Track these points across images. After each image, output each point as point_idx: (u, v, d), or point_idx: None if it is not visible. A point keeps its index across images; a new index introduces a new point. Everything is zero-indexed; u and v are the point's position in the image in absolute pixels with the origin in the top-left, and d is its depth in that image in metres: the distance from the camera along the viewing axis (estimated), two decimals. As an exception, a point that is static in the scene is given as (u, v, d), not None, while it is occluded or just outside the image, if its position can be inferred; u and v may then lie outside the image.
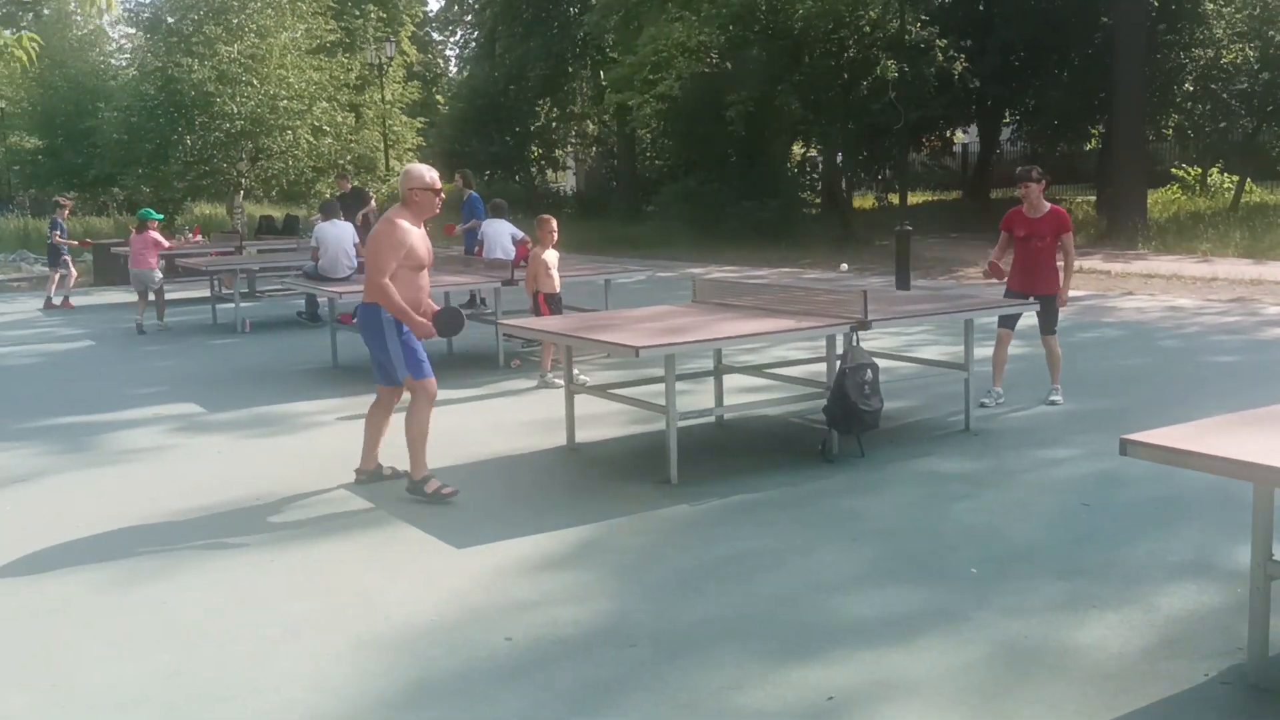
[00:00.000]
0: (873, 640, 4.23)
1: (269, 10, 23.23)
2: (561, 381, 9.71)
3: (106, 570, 5.30)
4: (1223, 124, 28.26)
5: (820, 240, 25.20)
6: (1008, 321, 8.30)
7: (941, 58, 22.85)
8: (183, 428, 8.55)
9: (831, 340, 6.97)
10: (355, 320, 6.66)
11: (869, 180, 35.35)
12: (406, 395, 6.54)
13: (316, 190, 24.84)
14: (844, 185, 28.76)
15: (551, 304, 9.83)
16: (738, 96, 23.28)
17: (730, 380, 8.51)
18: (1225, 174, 31.56)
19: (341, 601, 4.82)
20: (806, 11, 22.46)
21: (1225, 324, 12.31)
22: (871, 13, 22.74)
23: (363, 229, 17.38)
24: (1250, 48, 26.60)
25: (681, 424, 7.87)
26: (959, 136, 37.71)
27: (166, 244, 14.35)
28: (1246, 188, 28.71)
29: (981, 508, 5.87)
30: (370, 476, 6.66)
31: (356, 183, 18.45)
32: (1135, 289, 15.72)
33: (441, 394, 9.43)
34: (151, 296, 14.30)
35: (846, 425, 6.67)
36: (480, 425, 8.22)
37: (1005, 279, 8.43)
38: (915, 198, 37.31)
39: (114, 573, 5.26)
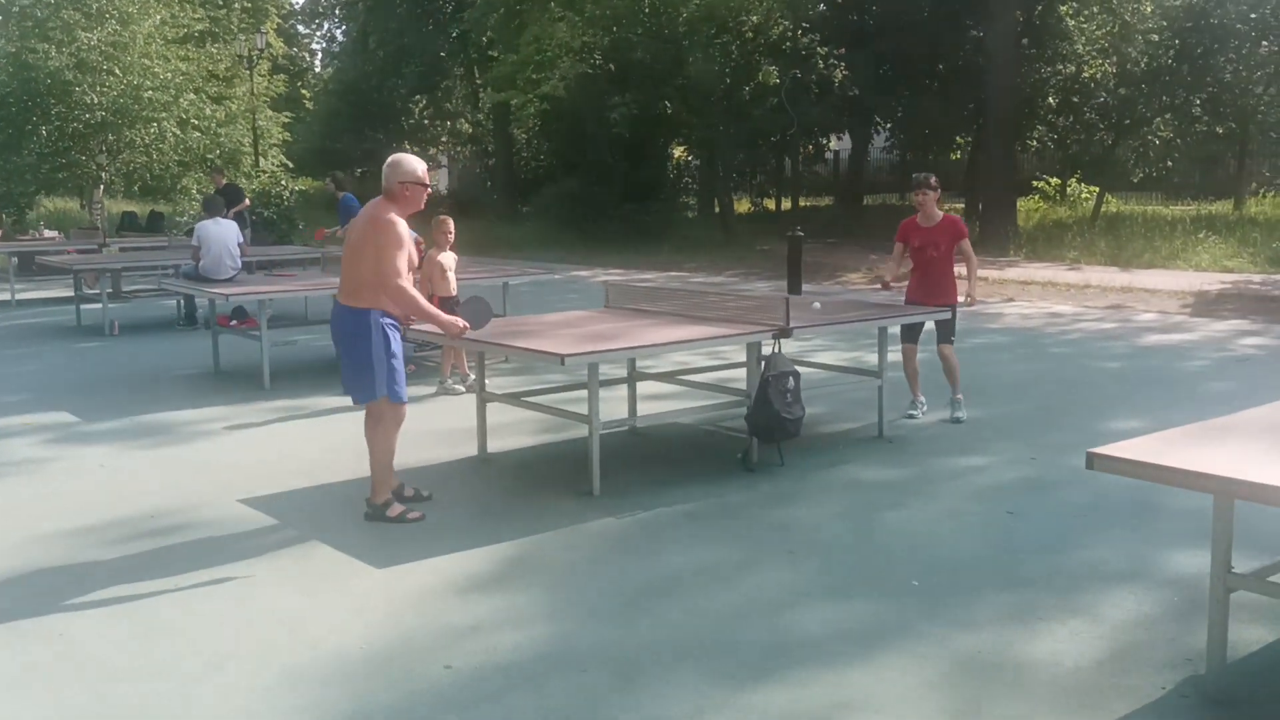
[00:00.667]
0: (831, 660, 4.12)
1: (131, -6, 22.11)
2: (462, 388, 9.48)
3: (-9, 599, 4.85)
4: (1083, 136, 29.37)
5: (701, 244, 25.27)
6: (909, 335, 8.18)
7: (822, 65, 23.15)
8: (58, 439, 7.99)
9: (752, 348, 6.88)
10: (332, 327, 5.99)
11: (744, 185, 35.69)
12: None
13: (182, 186, 23.79)
14: (726, 190, 28.95)
15: (447, 308, 9.52)
16: (622, 99, 23.17)
17: (639, 387, 8.35)
18: (1083, 185, 32.86)
19: (262, 629, 4.49)
20: (690, 15, 22.48)
21: (1105, 330, 12.70)
22: (754, 18, 22.89)
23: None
24: (1109, 64, 27.69)
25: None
26: (832, 143, 38.33)
27: None
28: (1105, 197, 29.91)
29: (912, 517, 5.84)
30: (414, 496, 6.24)
31: (229, 178, 17.66)
32: (1015, 295, 16.14)
33: (336, 401, 9.13)
34: None
35: (769, 434, 6.58)
36: (383, 434, 7.87)
37: (897, 290, 8.41)
38: (790, 203, 37.88)
39: (2, 600, 4.81)
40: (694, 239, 25.48)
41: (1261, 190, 29.24)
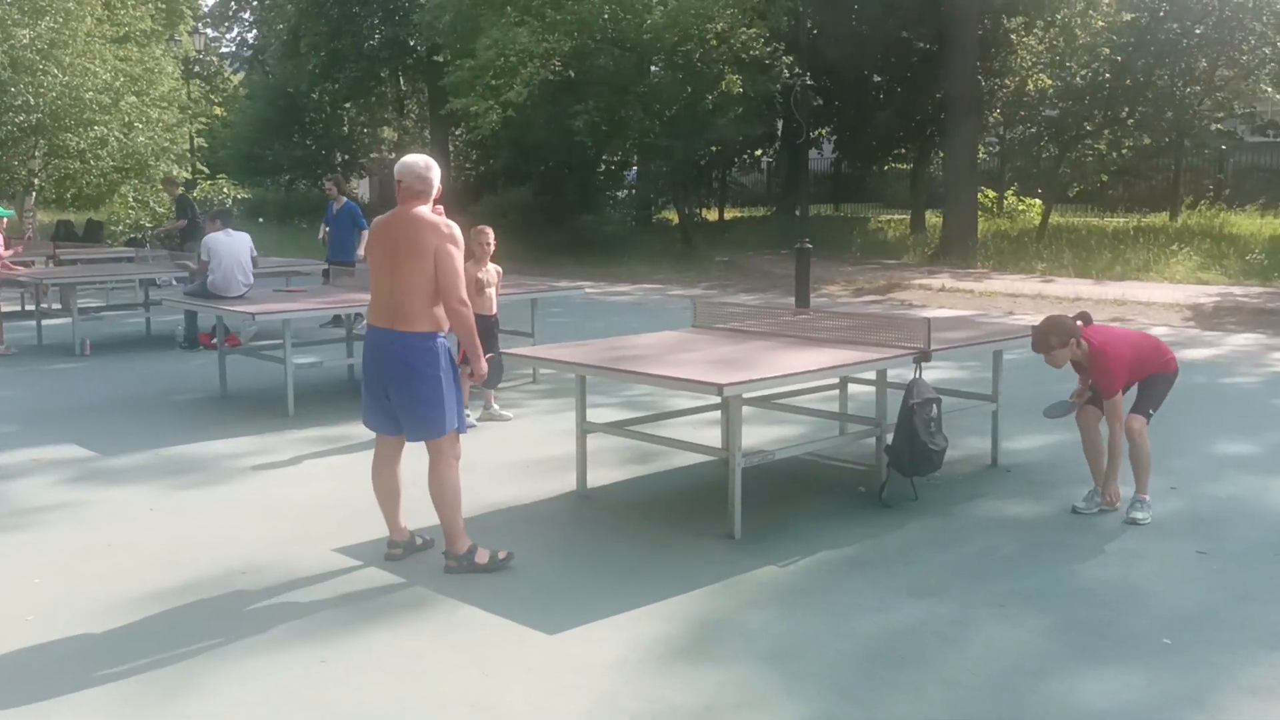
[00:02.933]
0: (1150, 742, 3.60)
1: (69, -11, 20.69)
2: (510, 414, 8.79)
3: (105, 685, 4.07)
4: (1033, 149, 29.60)
5: (659, 255, 24.66)
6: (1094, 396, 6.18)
7: (787, 74, 22.82)
8: (80, 477, 7.11)
9: (883, 374, 6.37)
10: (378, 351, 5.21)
11: (685, 197, 35.24)
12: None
13: (120, 194, 22.43)
14: (688, 201, 28.52)
15: (484, 328, 8.82)
16: (585, 106, 22.52)
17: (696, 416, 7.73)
18: (1020, 198, 33.19)
19: (457, 714, 3.81)
20: (655, 23, 21.97)
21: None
22: (719, 26, 22.46)
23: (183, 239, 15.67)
24: (1050, 77, 27.91)
25: (686, 465, 7.16)
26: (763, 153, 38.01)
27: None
28: (1038, 210, 30.23)
29: (1101, 560, 5.36)
30: (406, 549, 5.49)
31: (183, 189, 16.56)
32: (1009, 309, 15.90)
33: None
34: None
35: (913, 467, 6.06)
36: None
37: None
38: (728, 214, 37.61)
39: (119, 689, 4.05)
40: (654, 250, 24.89)
41: (1199, 202, 29.72)
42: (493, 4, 23.47)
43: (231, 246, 9.85)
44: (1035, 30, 28.49)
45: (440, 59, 27.13)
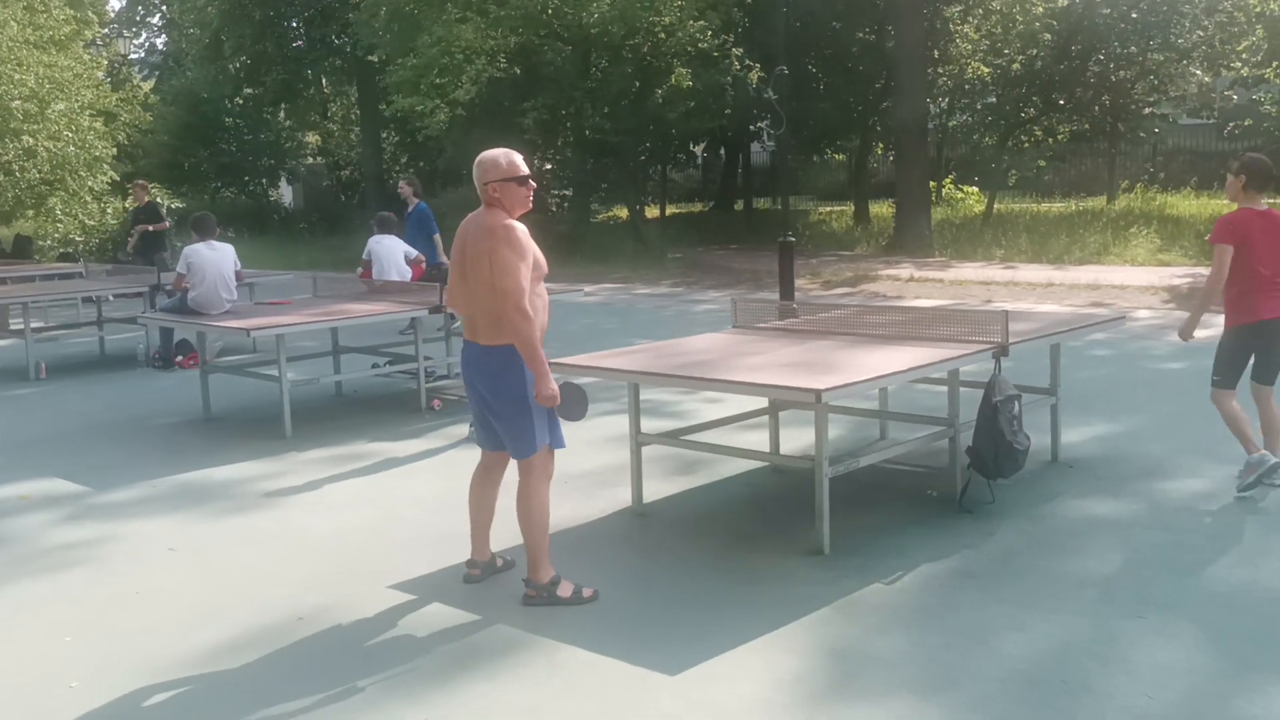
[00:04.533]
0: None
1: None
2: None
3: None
4: (975, 136, 29.75)
5: (612, 254, 24.19)
6: (1254, 369, 6.20)
7: (738, 66, 22.51)
8: (79, 515, 6.49)
9: (955, 372, 6.02)
10: (471, 364, 4.78)
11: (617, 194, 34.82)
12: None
13: (49, 206, 21.32)
14: (639, 197, 28.10)
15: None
16: (534, 103, 21.98)
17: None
18: (958, 186, 33.35)
19: (612, 783, 3.37)
20: (601, 16, 21.49)
21: (1124, 329, 12.27)
22: (666, 19, 22.05)
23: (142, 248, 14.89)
24: (987, 65, 28.06)
25: (734, 474, 6.81)
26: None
27: None
28: (976, 198, 30.41)
29: (1220, 560, 5.07)
30: (485, 570, 5.10)
31: (151, 196, 15.66)
32: (986, 296, 15.74)
33: (381, 447, 7.86)
34: None
35: (997, 467, 5.74)
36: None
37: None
38: (667, 209, 37.29)
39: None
40: (605, 248, 24.43)
41: (1135, 185, 30.05)
42: (431, 1, 22.81)
43: (215, 260, 9.14)
44: (971, 19, 28.64)
45: (374, 59, 26.37)
